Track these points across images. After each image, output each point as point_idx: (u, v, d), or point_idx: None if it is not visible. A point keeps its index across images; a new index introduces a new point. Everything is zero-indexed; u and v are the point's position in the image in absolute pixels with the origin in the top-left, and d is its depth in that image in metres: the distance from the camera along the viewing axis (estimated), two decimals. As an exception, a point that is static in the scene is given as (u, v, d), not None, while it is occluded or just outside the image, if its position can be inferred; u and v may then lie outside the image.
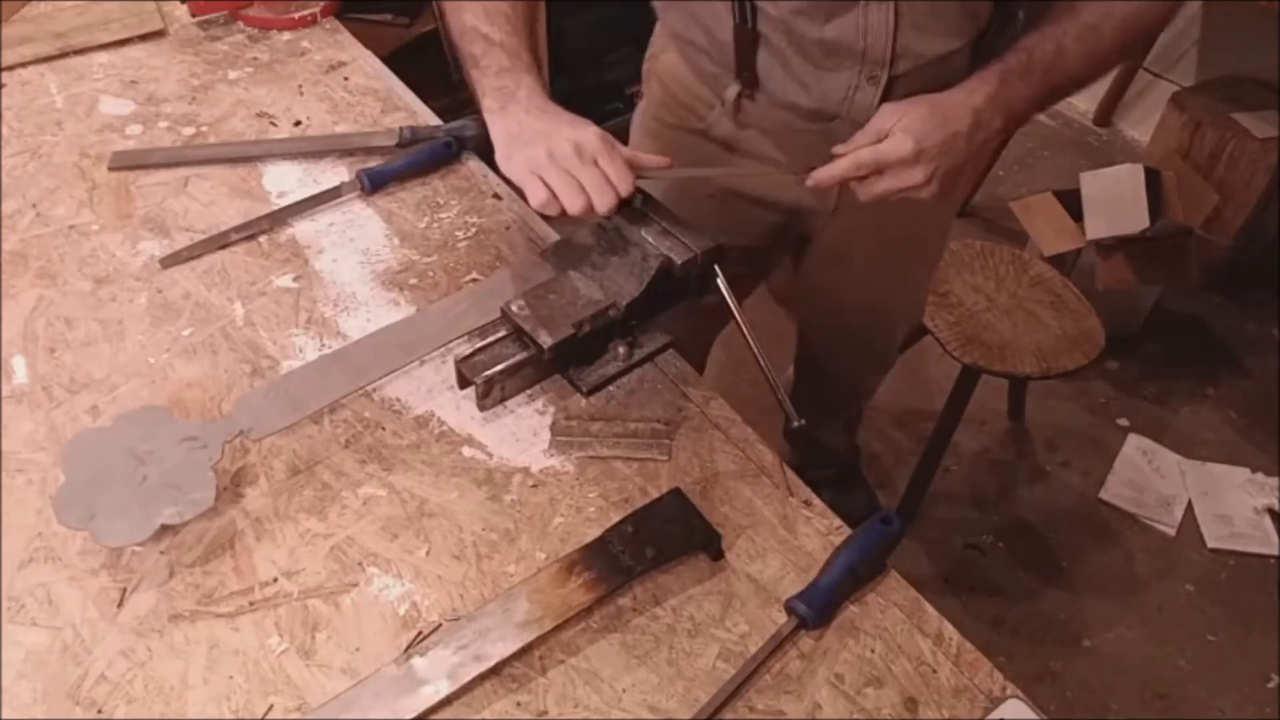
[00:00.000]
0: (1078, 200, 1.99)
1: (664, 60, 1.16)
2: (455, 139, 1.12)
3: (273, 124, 1.18)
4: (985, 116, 0.89)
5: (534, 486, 0.81)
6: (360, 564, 0.75)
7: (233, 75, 1.25)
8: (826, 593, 0.73)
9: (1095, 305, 1.69)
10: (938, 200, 0.95)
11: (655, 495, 0.80)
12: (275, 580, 0.74)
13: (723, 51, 1.04)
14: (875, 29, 0.94)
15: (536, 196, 0.82)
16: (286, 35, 1.33)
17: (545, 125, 0.84)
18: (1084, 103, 2.96)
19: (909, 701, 0.70)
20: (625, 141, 1.28)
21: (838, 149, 0.91)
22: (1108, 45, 0.92)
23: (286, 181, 1.10)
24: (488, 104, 0.87)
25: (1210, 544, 1.88)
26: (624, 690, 0.69)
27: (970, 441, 2.05)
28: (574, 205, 0.82)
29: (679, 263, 0.87)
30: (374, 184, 1.07)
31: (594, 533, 0.77)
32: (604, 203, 0.82)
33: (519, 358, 0.85)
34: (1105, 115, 2.91)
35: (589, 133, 0.84)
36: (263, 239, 1.02)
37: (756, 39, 0.99)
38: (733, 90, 1.06)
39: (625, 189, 0.83)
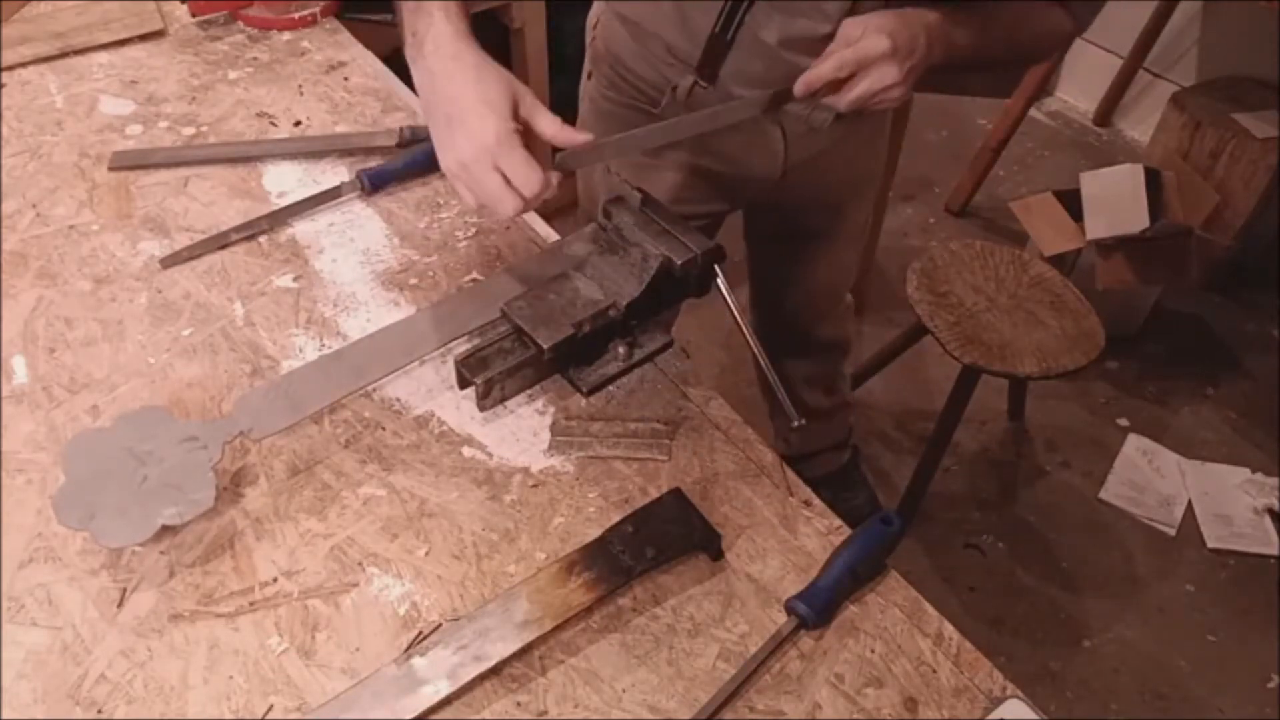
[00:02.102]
0: (1078, 200, 1.99)
1: (610, 41, 1.15)
2: (455, 139, 1.12)
3: (273, 124, 1.18)
4: (934, 35, 0.91)
5: (534, 486, 0.81)
6: (360, 564, 0.75)
7: (233, 75, 1.25)
8: (826, 593, 0.73)
9: (1095, 305, 1.69)
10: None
11: (655, 495, 0.80)
12: (275, 580, 0.74)
13: (689, 51, 1.05)
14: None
15: (464, 200, 0.81)
16: (286, 35, 1.33)
17: (452, 93, 0.77)
18: (1084, 103, 2.96)
19: (909, 701, 0.70)
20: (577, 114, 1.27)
21: (814, 63, 0.91)
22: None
23: (286, 181, 1.10)
24: (406, 51, 0.82)
25: (1210, 544, 1.88)
26: (624, 690, 0.69)
27: (970, 441, 2.06)
28: (493, 211, 0.79)
29: (679, 263, 0.87)
30: (374, 184, 1.07)
31: (594, 533, 0.77)
32: (504, 210, 0.78)
33: (519, 358, 0.85)
34: (1105, 115, 2.91)
35: (487, 131, 0.76)
36: (263, 239, 1.02)
37: (729, 47, 1.01)
38: (687, 81, 1.07)
39: (530, 189, 0.77)
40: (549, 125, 0.80)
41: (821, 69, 0.89)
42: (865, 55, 0.87)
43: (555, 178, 0.79)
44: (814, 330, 1.58)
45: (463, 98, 0.77)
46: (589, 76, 1.23)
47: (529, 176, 0.77)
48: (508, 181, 0.77)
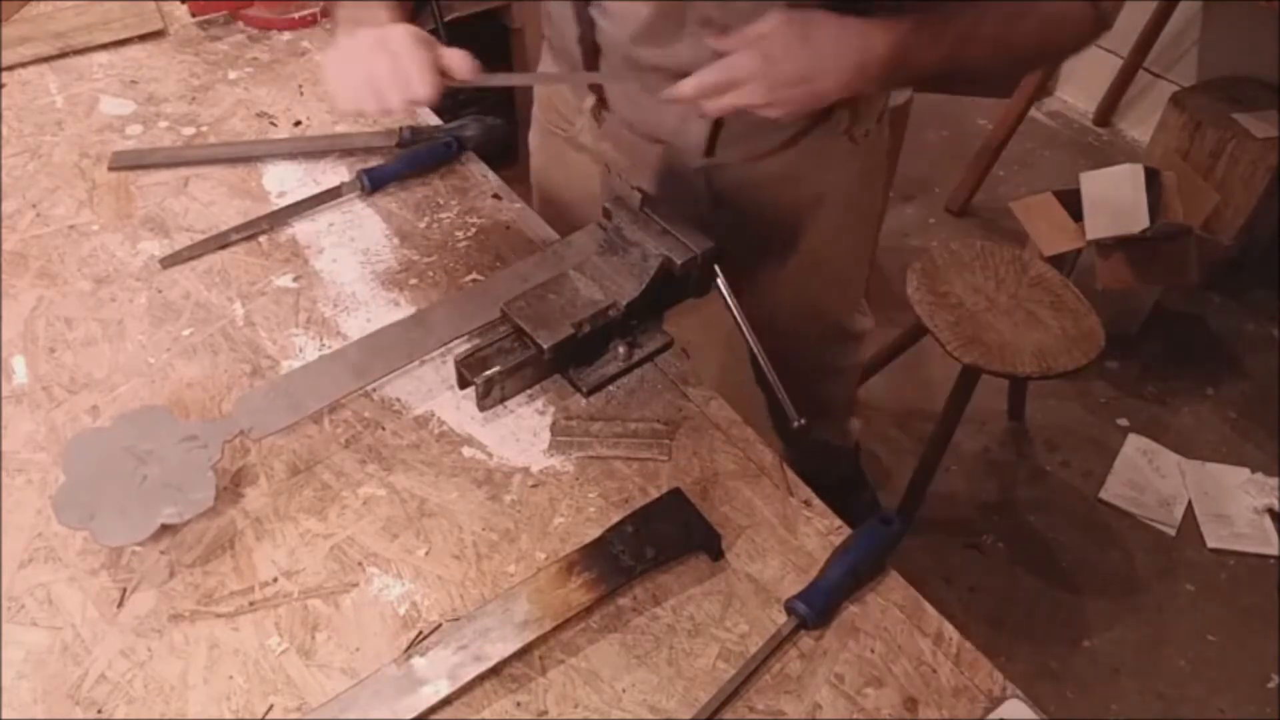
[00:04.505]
0: (1078, 200, 1.99)
1: (543, 62, 1.14)
2: (455, 139, 1.12)
3: (273, 124, 1.18)
4: (874, 72, 0.80)
5: (534, 486, 0.81)
6: (360, 564, 0.75)
7: (233, 75, 1.25)
8: (826, 593, 0.73)
9: (1095, 305, 1.69)
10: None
11: (655, 495, 0.80)
12: (275, 580, 0.74)
13: (575, 61, 1.02)
14: (702, 63, 0.86)
15: (340, 94, 0.80)
16: (286, 35, 1.33)
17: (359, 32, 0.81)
18: (1084, 103, 2.96)
19: (909, 701, 0.70)
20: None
21: (716, 44, 0.82)
22: (1022, 41, 0.86)
23: (286, 181, 1.10)
24: (338, 33, 0.85)
25: (1210, 544, 1.88)
26: (624, 690, 0.69)
27: (970, 441, 2.05)
28: (369, 102, 0.79)
29: (679, 263, 0.87)
30: (374, 184, 1.07)
31: (594, 533, 0.77)
32: (394, 98, 0.78)
33: (519, 358, 0.85)
34: (1105, 115, 2.90)
35: (397, 28, 0.79)
36: (263, 239, 1.02)
37: (598, 54, 0.98)
38: (590, 101, 1.05)
39: (423, 91, 0.78)
40: (446, 54, 0.80)
41: (684, 89, 0.81)
42: (729, 80, 0.79)
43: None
44: (828, 361, 1.43)
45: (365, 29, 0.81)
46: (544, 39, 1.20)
47: (424, 75, 0.78)
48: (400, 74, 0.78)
